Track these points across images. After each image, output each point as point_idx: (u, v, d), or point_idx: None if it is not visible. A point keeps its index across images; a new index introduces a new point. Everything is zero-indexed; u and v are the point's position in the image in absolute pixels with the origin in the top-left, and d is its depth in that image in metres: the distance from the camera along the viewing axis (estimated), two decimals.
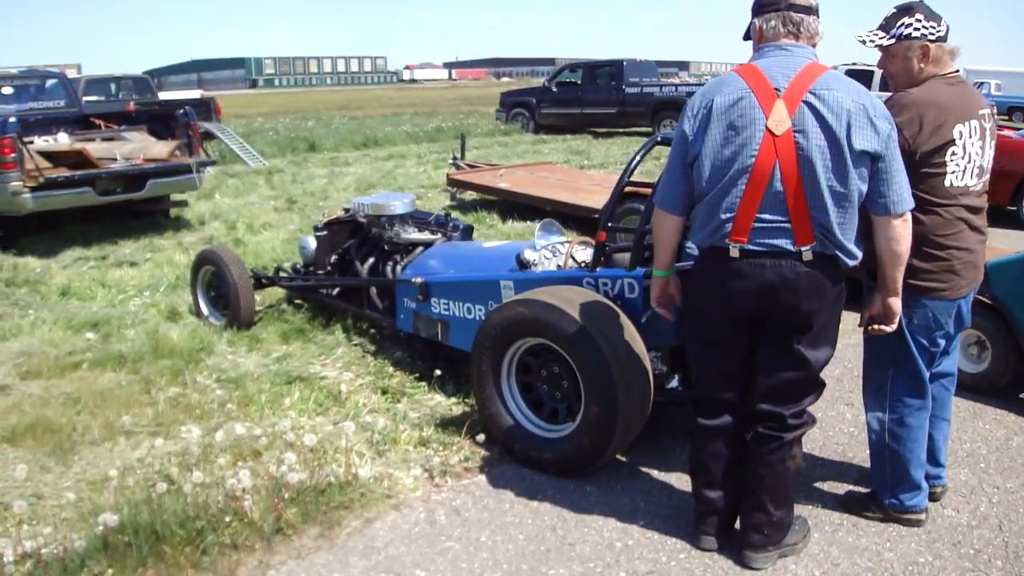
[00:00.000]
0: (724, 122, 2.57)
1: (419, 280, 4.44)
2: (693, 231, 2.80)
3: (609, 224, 3.72)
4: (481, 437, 3.72)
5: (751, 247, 2.60)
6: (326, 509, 3.23)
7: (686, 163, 2.70)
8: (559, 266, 4.11)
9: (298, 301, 5.66)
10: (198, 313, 5.50)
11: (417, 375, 4.60)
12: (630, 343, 3.39)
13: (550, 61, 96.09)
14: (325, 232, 5.26)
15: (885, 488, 3.20)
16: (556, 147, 15.95)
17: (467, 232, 5.09)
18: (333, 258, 5.34)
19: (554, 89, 18.91)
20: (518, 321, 3.53)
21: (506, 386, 3.72)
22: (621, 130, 18.51)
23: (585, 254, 4.21)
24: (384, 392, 4.45)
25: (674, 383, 3.81)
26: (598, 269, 3.72)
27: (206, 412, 4.09)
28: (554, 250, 4.32)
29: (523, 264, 4.03)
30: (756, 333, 2.77)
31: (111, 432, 3.85)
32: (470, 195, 10.19)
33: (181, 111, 8.10)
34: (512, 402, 3.72)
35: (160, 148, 7.76)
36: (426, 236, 4.97)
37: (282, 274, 5.57)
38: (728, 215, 2.60)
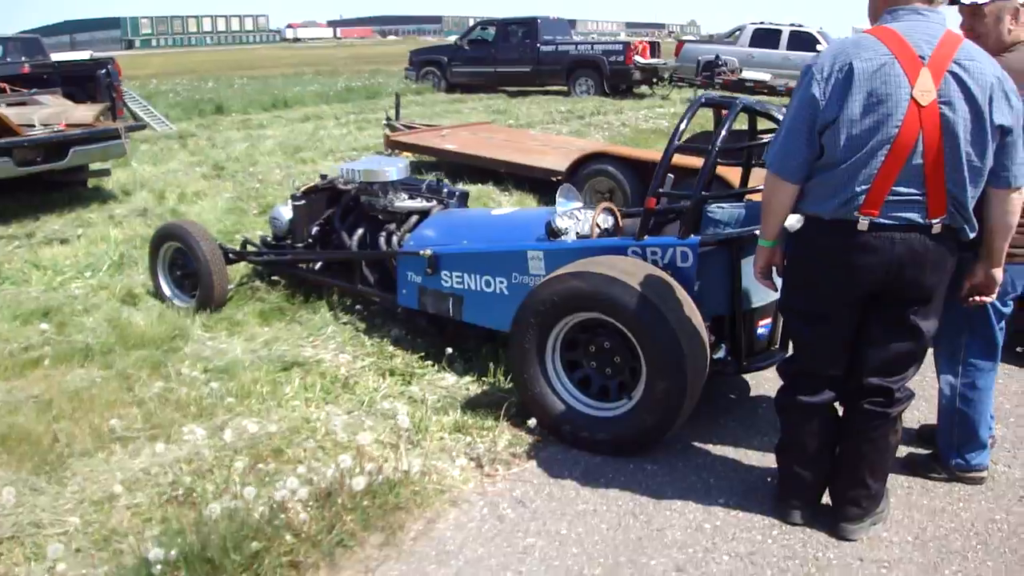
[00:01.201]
0: (865, 89, 2.38)
1: (428, 252, 4.09)
2: (812, 202, 2.59)
3: (660, 191, 3.48)
4: (532, 422, 3.46)
5: (882, 220, 2.46)
6: (383, 512, 2.91)
7: (813, 129, 2.49)
8: (578, 234, 3.85)
9: (274, 278, 5.16)
10: (160, 295, 4.92)
11: (422, 354, 4.28)
12: (691, 316, 3.22)
13: (437, 19, 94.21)
14: (303, 201, 4.79)
15: (951, 448, 3.19)
16: (475, 106, 15.53)
17: (463, 199, 4.75)
18: (314, 229, 4.89)
19: (466, 48, 18.40)
20: (572, 295, 3.28)
21: (551, 365, 3.48)
22: (536, 89, 18.23)
23: (607, 222, 3.99)
24: (390, 374, 4.11)
25: (721, 353, 3.66)
26: (645, 237, 3.49)
27: (203, 409, 3.64)
28: (574, 217, 4.07)
29: (554, 233, 3.75)
30: (866, 306, 2.64)
31: (101, 439, 3.35)
32: (407, 157, 9.72)
33: (103, 71, 7.23)
34: (558, 381, 3.49)
35: (83, 112, 6.90)
36: (422, 204, 4.59)
37: (250, 248, 5.06)
38: (863, 187, 2.44)
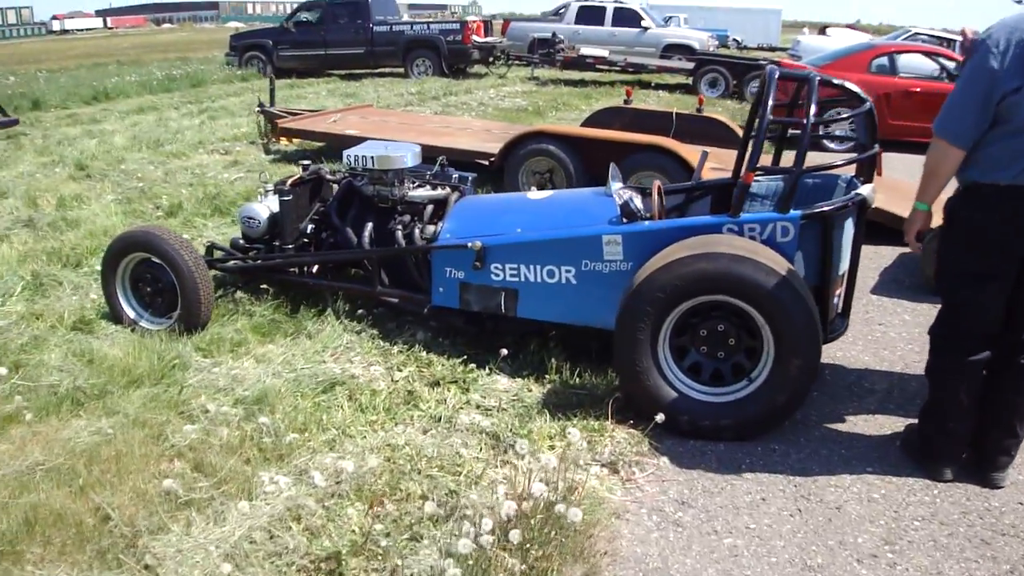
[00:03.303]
0: None
1: (478, 244, 3.69)
2: (986, 169, 2.67)
3: (759, 167, 3.35)
4: (659, 417, 3.20)
5: None
6: (564, 540, 2.56)
7: (990, 99, 2.58)
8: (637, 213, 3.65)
9: (262, 287, 4.44)
10: (120, 319, 4.06)
11: (462, 358, 3.87)
12: (808, 291, 3.16)
13: (213, 5, 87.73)
14: (291, 197, 4.16)
15: None
16: (317, 91, 14.57)
17: (474, 184, 4.34)
18: (309, 227, 4.26)
19: (292, 30, 17.20)
20: (698, 278, 3.09)
21: (663, 354, 3.27)
22: (370, 71, 17.47)
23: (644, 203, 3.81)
24: (438, 384, 3.69)
25: None
26: (741, 214, 3.36)
27: (265, 450, 3.04)
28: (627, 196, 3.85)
29: (631, 215, 3.51)
30: None
31: (164, 508, 2.68)
32: (287, 145, 8.93)
33: None
34: (670, 371, 3.29)
35: None
36: (439, 192, 4.14)
37: (217, 253, 4.33)
38: None
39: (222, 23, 39.20)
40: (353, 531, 2.60)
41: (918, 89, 9.73)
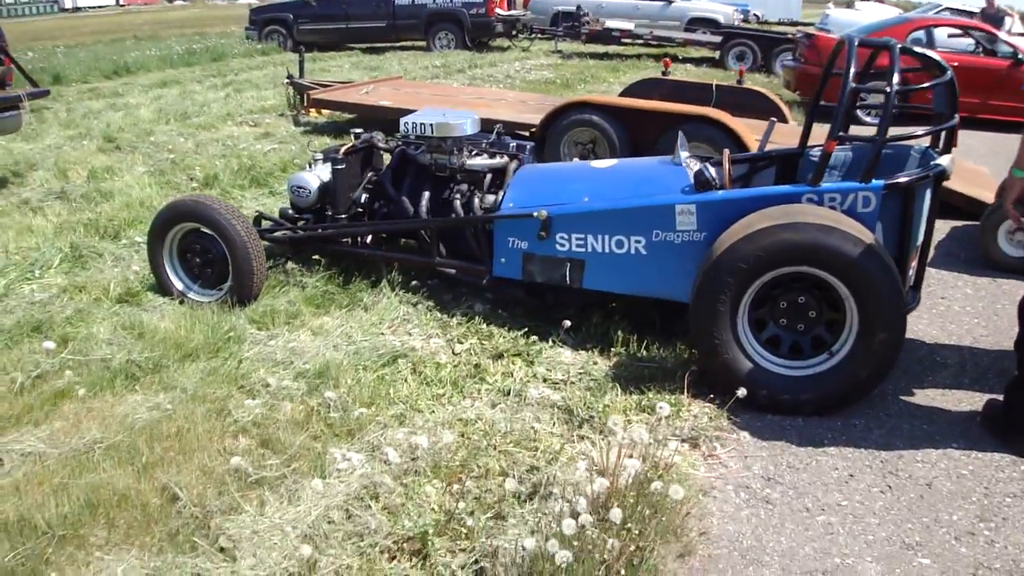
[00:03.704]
0: None
1: (543, 213, 3.56)
2: None
3: (841, 133, 3.19)
4: (741, 392, 3.08)
5: None
6: (661, 516, 2.46)
7: None
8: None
9: (314, 257, 4.32)
10: (167, 290, 3.97)
11: (523, 329, 3.76)
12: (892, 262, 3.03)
13: None
14: (344, 165, 4.03)
15: None
16: (341, 63, 14.39)
17: (534, 152, 4.21)
18: (363, 196, 4.14)
19: (313, 3, 16.95)
20: (783, 248, 2.96)
21: (742, 326, 3.15)
22: (392, 44, 17.24)
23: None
24: (499, 357, 3.58)
25: None
26: (821, 183, 3.21)
27: (333, 425, 2.95)
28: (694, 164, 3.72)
29: (704, 184, 3.37)
30: None
31: (229, 485, 2.58)
32: (316, 116, 8.79)
33: None
34: (749, 344, 3.17)
35: None
36: (499, 161, 4.00)
37: (265, 224, 4.23)
38: None
39: (234, 1, 38.78)
40: (434, 510, 2.51)
41: (956, 64, 9.41)
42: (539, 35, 17.99)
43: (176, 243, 3.93)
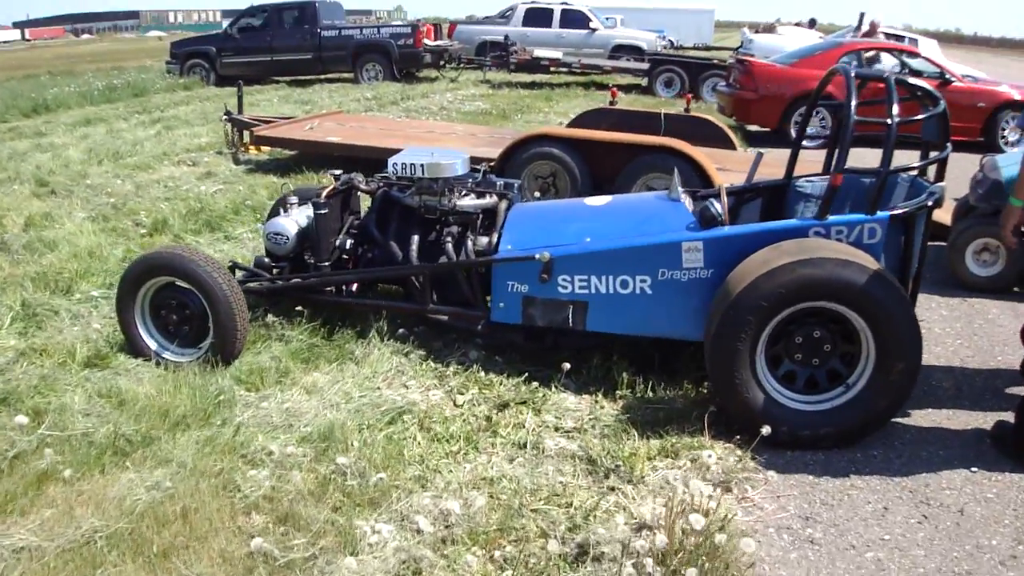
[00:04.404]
0: None
1: (546, 255, 3.47)
2: None
3: (846, 168, 3.22)
4: (765, 429, 3.04)
5: None
6: (724, 569, 2.38)
7: None
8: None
9: (297, 308, 4.09)
10: (140, 351, 3.68)
11: (521, 376, 3.65)
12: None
13: (134, 14, 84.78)
14: (327, 210, 3.85)
15: None
16: (269, 98, 14.00)
17: (520, 190, 4.11)
18: (348, 242, 3.95)
19: (236, 36, 16.55)
20: (804, 284, 2.96)
21: (760, 364, 3.12)
22: (319, 77, 16.93)
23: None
24: (504, 407, 3.45)
25: None
26: (828, 217, 3.23)
27: (351, 494, 2.75)
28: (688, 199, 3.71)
29: (709, 220, 3.35)
30: None
31: (254, 572, 2.38)
32: (256, 154, 8.50)
33: None
34: (767, 381, 3.15)
35: None
36: (489, 200, 3.90)
37: (238, 273, 3.99)
38: None
39: (142, 33, 37.58)
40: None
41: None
42: (466, 65, 18.03)
43: (149, 299, 3.66)
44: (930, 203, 3.26)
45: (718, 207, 3.36)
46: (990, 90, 9.98)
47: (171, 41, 18.28)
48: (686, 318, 3.42)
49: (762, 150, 4.43)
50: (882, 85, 3.35)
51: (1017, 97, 9.96)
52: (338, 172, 4.08)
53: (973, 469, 3.03)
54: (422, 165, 3.75)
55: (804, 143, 10.05)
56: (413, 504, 2.70)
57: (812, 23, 21.61)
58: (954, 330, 4.37)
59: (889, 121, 3.16)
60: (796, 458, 3.10)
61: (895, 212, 3.20)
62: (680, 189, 3.72)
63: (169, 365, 3.60)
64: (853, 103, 3.20)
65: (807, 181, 4.02)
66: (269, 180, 7.39)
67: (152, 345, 3.69)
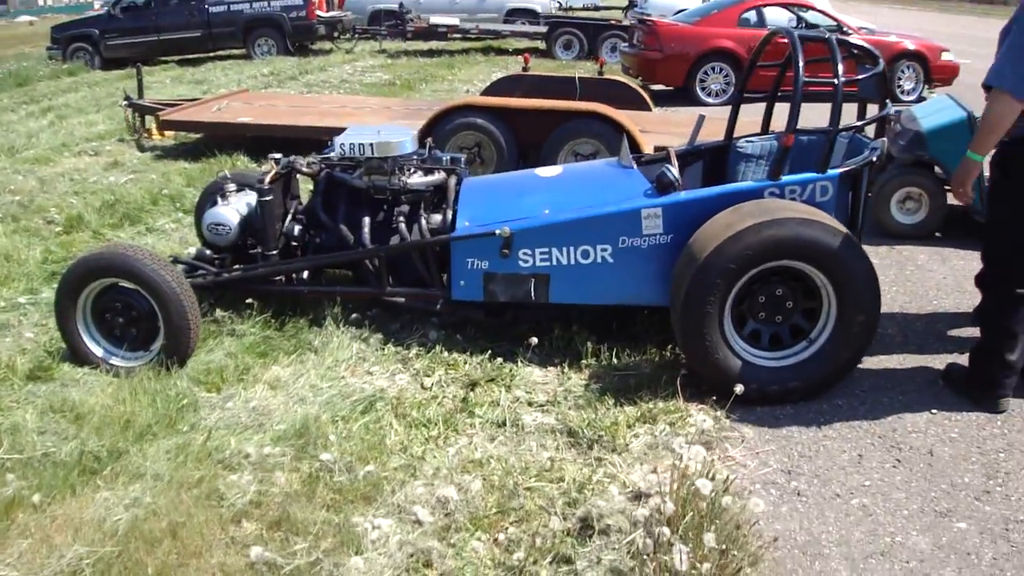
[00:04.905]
0: None
1: (506, 231, 3.44)
2: None
3: (797, 128, 3.30)
4: (738, 388, 3.09)
5: None
6: (735, 532, 2.44)
7: None
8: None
9: (247, 301, 3.89)
10: (85, 359, 3.45)
11: (486, 353, 3.63)
12: None
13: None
14: (271, 196, 3.68)
15: None
16: (161, 79, 13.22)
17: (467, 164, 4.04)
18: (296, 228, 3.80)
19: (120, 16, 15.49)
20: (769, 245, 3.04)
21: (727, 326, 3.20)
22: (210, 55, 16.08)
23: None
24: (473, 385, 3.43)
25: None
26: (781, 177, 3.32)
27: (342, 491, 2.67)
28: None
29: (666, 186, 3.39)
30: None
31: None
32: (159, 139, 8.05)
33: None
34: (735, 341, 3.23)
35: None
36: (437, 177, 3.81)
37: (181, 268, 3.78)
38: None
39: (11, 18, 34.68)
40: (488, 564, 2.35)
41: (785, 40, 10.19)
42: (361, 36, 17.53)
43: (91, 304, 3.43)
44: (874, 159, 3.40)
45: (674, 172, 3.40)
46: (886, 42, 10.42)
47: (51, 26, 16.97)
48: (648, 284, 3.47)
49: (704, 115, 4.48)
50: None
51: (912, 47, 10.45)
52: (278, 156, 3.89)
53: (933, 411, 3.21)
54: (371, 144, 3.63)
55: (708, 100, 10.37)
56: (408, 495, 2.65)
57: None
58: (888, 277, 4.60)
59: (836, 81, 3.26)
60: (767, 413, 3.21)
61: (845, 170, 3.32)
62: (629, 155, 3.74)
63: (119, 371, 3.40)
64: (801, 64, 3.28)
65: (747, 141, 4.11)
66: (180, 166, 7.01)
67: (98, 352, 3.47)
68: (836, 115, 3.28)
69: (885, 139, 3.55)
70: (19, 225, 5.36)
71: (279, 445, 2.93)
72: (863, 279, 3.08)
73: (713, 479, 2.42)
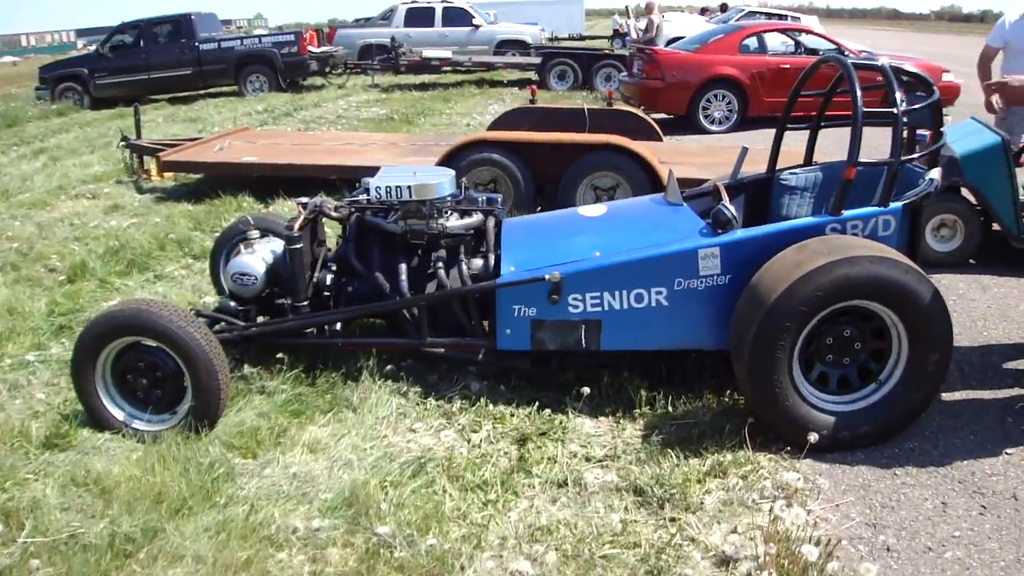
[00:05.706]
0: None
1: (556, 275, 3.26)
2: None
3: (859, 160, 3.16)
4: (812, 437, 2.94)
5: None
6: None
7: None
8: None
9: (279, 355, 3.67)
10: (106, 423, 3.22)
11: (533, 405, 3.45)
12: None
13: None
14: (301, 244, 3.49)
15: None
16: (153, 118, 13.04)
17: (504, 205, 3.87)
18: (328, 277, 3.60)
19: (109, 55, 15.37)
20: (841, 284, 2.89)
21: (796, 370, 3.03)
22: (201, 92, 15.94)
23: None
24: (523, 441, 3.23)
25: None
26: (842, 212, 3.18)
27: (402, 567, 2.46)
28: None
29: (722, 224, 3.23)
30: None
31: None
32: (158, 180, 7.86)
33: None
34: (803, 386, 3.06)
35: None
36: (475, 219, 3.63)
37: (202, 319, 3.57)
38: None
39: None
40: None
41: (787, 65, 10.20)
42: (352, 71, 17.47)
43: (111, 364, 3.21)
44: (931, 189, 3.26)
45: (731, 210, 3.25)
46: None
47: (39, 66, 16.84)
48: (704, 327, 3.31)
49: (746, 146, 4.33)
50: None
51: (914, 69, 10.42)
52: (305, 200, 3.70)
53: (1008, 451, 3.06)
54: (408, 187, 3.45)
55: (711, 128, 10.30)
56: (478, 571, 2.45)
57: (723, 8, 21.83)
58: None
59: (895, 111, 3.13)
60: (838, 460, 3.03)
61: (907, 202, 3.18)
62: (677, 193, 3.59)
63: (143, 436, 3.18)
64: (859, 93, 3.15)
65: (791, 173, 3.98)
66: (184, 209, 6.81)
67: (120, 415, 3.24)
68: (897, 146, 3.15)
69: (939, 168, 3.41)
70: (20, 274, 5.14)
71: (328, 517, 2.72)
72: (937, 317, 2.94)
73: (817, 544, 2.23)
